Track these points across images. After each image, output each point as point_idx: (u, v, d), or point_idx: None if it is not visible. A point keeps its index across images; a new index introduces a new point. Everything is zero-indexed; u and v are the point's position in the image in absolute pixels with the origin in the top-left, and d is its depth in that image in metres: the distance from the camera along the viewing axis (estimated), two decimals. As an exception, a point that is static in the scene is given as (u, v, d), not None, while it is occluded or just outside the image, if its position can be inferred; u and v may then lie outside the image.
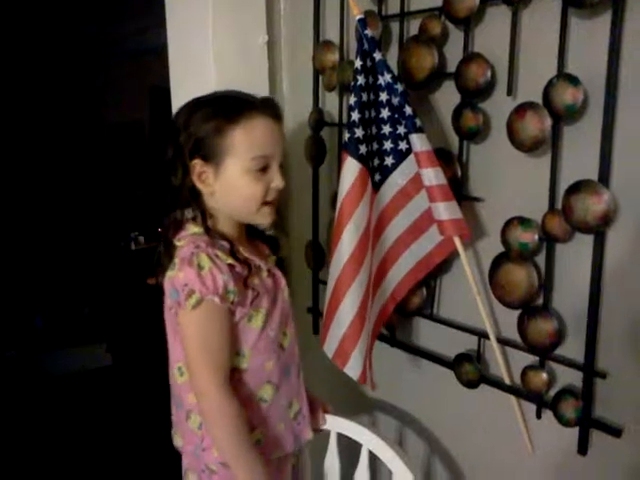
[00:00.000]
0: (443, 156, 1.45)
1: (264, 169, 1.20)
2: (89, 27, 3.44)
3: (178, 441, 1.32)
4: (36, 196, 3.95)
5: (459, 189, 1.44)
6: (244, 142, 1.17)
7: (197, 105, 1.20)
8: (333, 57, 1.72)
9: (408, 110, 1.32)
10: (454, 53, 1.43)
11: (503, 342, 1.43)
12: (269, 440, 1.28)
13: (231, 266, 1.17)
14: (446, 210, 1.32)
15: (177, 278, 1.15)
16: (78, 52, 3.59)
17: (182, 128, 1.18)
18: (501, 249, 1.37)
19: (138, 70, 4.75)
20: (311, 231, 1.87)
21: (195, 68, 1.86)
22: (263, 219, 1.25)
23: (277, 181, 1.21)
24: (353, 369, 1.39)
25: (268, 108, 1.22)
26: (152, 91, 5.07)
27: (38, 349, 3.95)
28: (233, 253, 1.19)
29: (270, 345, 1.26)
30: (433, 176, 1.31)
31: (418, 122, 1.33)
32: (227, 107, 1.18)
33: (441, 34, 1.44)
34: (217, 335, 1.17)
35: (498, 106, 1.36)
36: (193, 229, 1.21)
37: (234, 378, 1.23)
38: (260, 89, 1.85)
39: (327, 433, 1.47)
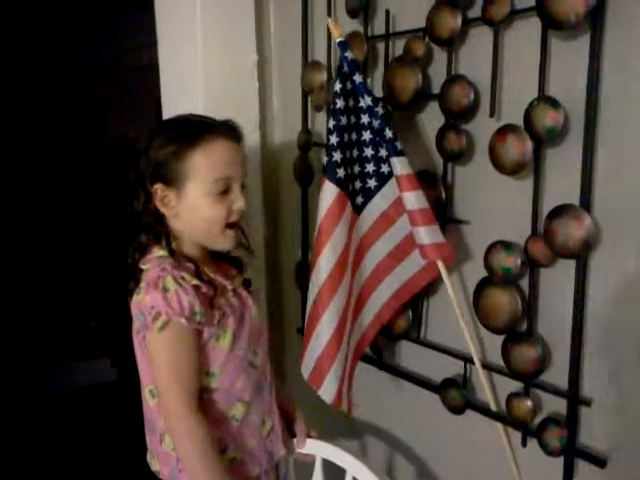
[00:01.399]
0: (427, 178, 1.43)
1: (225, 191, 1.20)
2: (88, 43, 3.48)
3: (155, 465, 1.31)
4: (44, 209, 3.97)
5: (443, 211, 1.42)
6: (204, 165, 1.17)
7: (157, 130, 1.22)
8: (321, 77, 1.71)
9: (388, 133, 1.31)
10: (439, 74, 1.41)
11: (488, 368, 1.40)
12: (244, 457, 1.27)
13: (196, 287, 1.17)
14: (427, 234, 1.30)
15: (144, 302, 1.16)
16: (81, 67, 3.62)
17: (142, 153, 1.20)
18: (485, 273, 1.35)
19: (143, 84, 4.76)
20: (300, 251, 1.85)
21: (185, 87, 1.86)
22: (225, 244, 1.25)
23: (239, 203, 1.21)
24: (326, 392, 1.37)
25: (227, 130, 1.22)
26: (158, 106, 5.09)
27: (44, 362, 3.94)
28: (198, 274, 1.19)
29: (240, 364, 1.25)
30: (414, 200, 1.30)
31: (399, 145, 1.31)
32: (186, 131, 1.19)
33: (425, 55, 1.42)
34: (185, 356, 1.17)
35: (482, 128, 1.35)
36: (159, 252, 1.21)
37: (204, 398, 1.22)
38: (250, 109, 1.86)
39: (313, 458, 1.44)
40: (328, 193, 1.33)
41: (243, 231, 1.34)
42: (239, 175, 1.23)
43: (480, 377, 1.39)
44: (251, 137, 1.86)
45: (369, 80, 1.59)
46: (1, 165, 3.74)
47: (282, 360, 1.99)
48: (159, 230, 1.22)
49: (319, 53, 1.74)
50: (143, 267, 1.21)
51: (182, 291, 1.14)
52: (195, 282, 1.17)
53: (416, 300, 1.52)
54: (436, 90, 1.40)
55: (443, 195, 1.42)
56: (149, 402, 1.27)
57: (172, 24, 1.86)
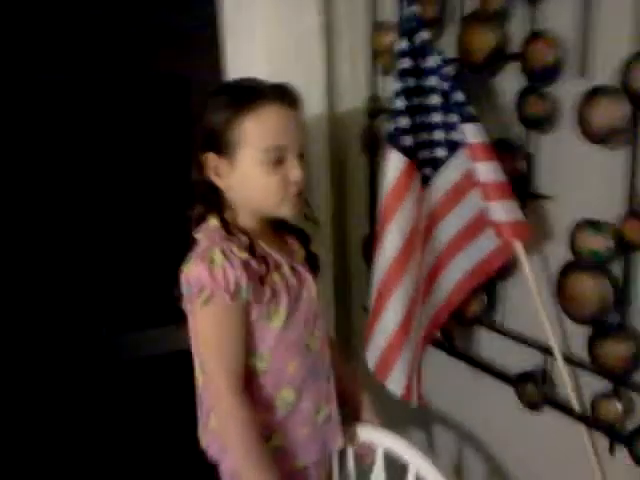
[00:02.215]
0: (506, 148, 1.28)
1: (280, 160, 1.12)
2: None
3: (204, 441, 1.27)
4: (124, 197, 4.04)
5: (525, 185, 1.26)
6: (255, 132, 1.10)
7: (210, 97, 1.15)
8: (389, 38, 1.57)
9: (459, 96, 1.16)
10: (520, 30, 1.24)
11: (572, 362, 1.24)
12: (290, 446, 1.20)
13: (246, 262, 1.10)
14: (503, 210, 1.16)
15: (191, 273, 1.11)
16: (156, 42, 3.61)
17: (196, 121, 1.14)
18: (571, 256, 1.19)
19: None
20: (368, 225, 1.74)
21: (247, 57, 1.76)
22: (286, 211, 1.17)
23: (295, 173, 1.13)
24: (395, 383, 1.26)
25: (281, 95, 1.13)
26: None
27: (126, 328, 4.03)
28: (251, 248, 1.13)
29: (293, 346, 1.18)
30: (488, 171, 1.15)
31: (471, 110, 1.16)
32: (237, 97, 1.11)
33: (504, 8, 1.26)
34: (229, 334, 1.12)
35: (569, 89, 1.17)
36: (213, 222, 1.16)
37: (253, 379, 1.17)
38: (316, 75, 1.76)
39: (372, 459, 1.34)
40: (394, 163, 1.20)
41: (307, 202, 1.26)
42: (295, 144, 1.14)
43: (562, 372, 1.24)
44: (318, 105, 1.75)
45: (444, 39, 1.44)
46: (83, 152, 3.82)
47: (349, 339, 1.90)
48: (213, 200, 1.17)
49: (388, 10, 1.60)
50: (196, 236, 1.17)
51: (229, 265, 1.08)
52: (244, 256, 1.10)
53: (491, 282, 1.38)
54: (517, 48, 1.24)
55: (524, 167, 1.26)
56: (198, 377, 1.24)
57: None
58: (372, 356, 1.27)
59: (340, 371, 1.33)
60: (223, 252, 1.09)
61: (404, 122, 1.18)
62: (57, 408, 3.19)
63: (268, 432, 1.17)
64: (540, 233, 1.27)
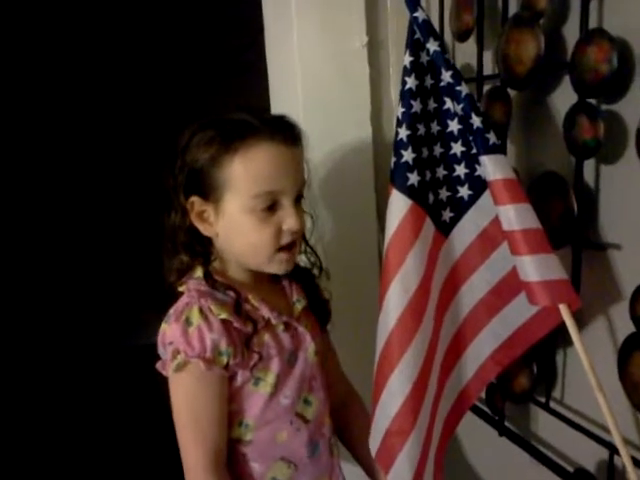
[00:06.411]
0: (555, 183, 1.01)
1: (272, 207, 0.96)
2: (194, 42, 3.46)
3: None
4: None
5: (576, 232, 0.98)
6: (243, 175, 0.94)
7: (197, 129, 0.99)
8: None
9: (476, 121, 0.91)
10: (572, 34, 0.98)
11: (643, 467, 0.94)
12: None
13: (227, 322, 0.95)
14: (537, 267, 0.88)
15: (165, 334, 0.98)
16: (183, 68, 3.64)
17: (179, 156, 0.99)
18: (632, 327, 0.89)
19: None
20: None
21: (284, 77, 1.62)
22: (277, 268, 1.02)
23: (290, 221, 0.97)
24: (398, 478, 1.00)
25: (276, 130, 0.96)
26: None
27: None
28: (238, 305, 0.97)
29: (283, 415, 1.03)
30: (515, 216, 0.89)
31: (491, 138, 0.91)
32: (225, 132, 0.95)
33: (550, 8, 1.00)
34: (205, 405, 0.97)
35: (634, 107, 0.89)
36: (197, 272, 1.01)
37: (237, 452, 1.02)
38: (358, 99, 1.58)
39: None
40: (397, 207, 0.98)
41: (312, 248, 1.14)
42: (290, 187, 0.97)
43: (630, 476, 0.93)
44: (360, 133, 1.57)
45: (489, 54, 1.20)
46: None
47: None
48: (198, 249, 1.02)
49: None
50: (180, 289, 1.03)
51: (206, 326, 0.94)
52: (224, 316, 0.94)
53: (542, 348, 1.10)
54: (569, 57, 0.97)
55: (575, 208, 0.98)
56: None
57: (274, 8, 1.63)
58: (374, 441, 1.03)
59: (363, 442, 1.11)
60: (201, 310, 0.94)
61: (408, 156, 0.94)
62: (59, 409, 3.12)
63: None
64: (599, 294, 0.98)
